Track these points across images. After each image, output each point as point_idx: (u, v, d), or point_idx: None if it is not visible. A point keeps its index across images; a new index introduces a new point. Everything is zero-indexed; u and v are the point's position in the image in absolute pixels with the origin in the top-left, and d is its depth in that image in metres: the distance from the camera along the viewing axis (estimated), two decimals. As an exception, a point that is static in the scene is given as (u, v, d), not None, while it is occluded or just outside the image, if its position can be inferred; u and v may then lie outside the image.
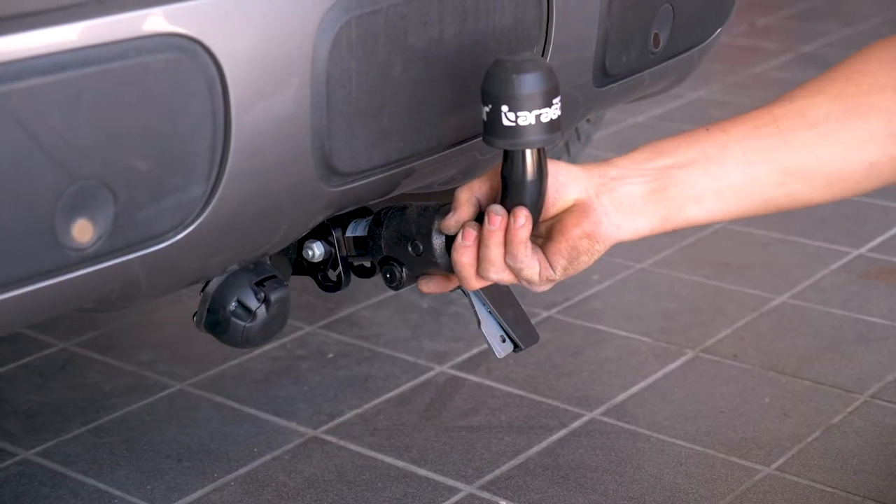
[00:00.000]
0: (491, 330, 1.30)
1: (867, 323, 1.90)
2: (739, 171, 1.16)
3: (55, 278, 1.03)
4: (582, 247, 1.15)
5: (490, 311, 1.29)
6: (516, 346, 1.30)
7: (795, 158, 1.16)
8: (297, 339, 1.90)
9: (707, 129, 1.17)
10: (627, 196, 1.16)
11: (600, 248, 1.16)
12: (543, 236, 1.18)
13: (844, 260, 2.10)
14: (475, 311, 1.30)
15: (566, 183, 1.15)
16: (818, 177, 1.17)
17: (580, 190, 1.16)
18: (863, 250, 2.14)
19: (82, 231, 1.01)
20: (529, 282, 1.17)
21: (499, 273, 1.16)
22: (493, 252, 1.15)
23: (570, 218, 1.15)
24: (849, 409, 1.68)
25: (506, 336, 1.30)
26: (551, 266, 1.16)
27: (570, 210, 1.16)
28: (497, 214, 1.14)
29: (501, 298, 1.30)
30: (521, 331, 1.31)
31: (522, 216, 1.13)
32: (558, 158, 2.10)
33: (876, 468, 1.56)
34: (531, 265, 1.15)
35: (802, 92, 1.18)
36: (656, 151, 1.17)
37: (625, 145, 2.64)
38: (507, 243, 1.15)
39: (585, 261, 1.16)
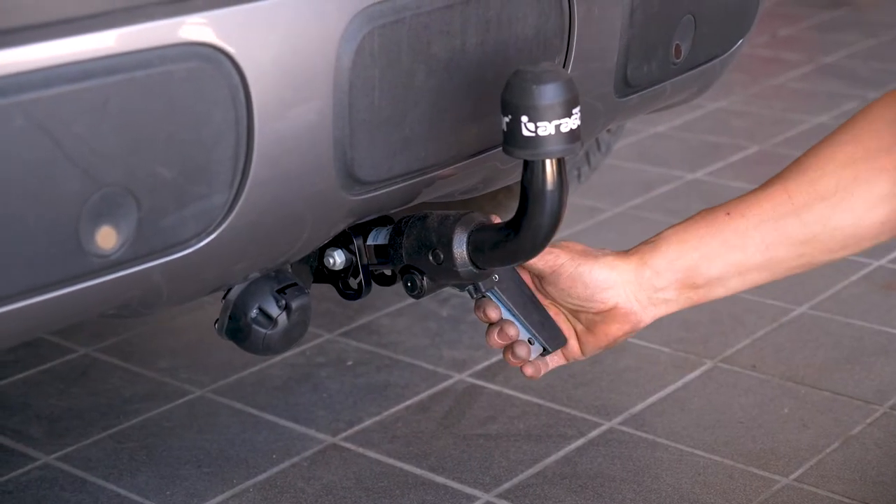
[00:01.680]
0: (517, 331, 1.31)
1: (887, 334, 1.89)
2: (760, 255, 1.26)
3: (78, 284, 1.03)
4: (621, 339, 1.31)
5: (515, 315, 1.30)
6: (545, 350, 1.31)
7: (811, 232, 1.24)
8: (317, 347, 1.91)
9: (728, 215, 1.26)
10: (662, 293, 1.28)
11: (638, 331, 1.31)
12: (582, 323, 1.31)
13: (865, 271, 2.10)
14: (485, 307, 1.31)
15: (609, 287, 1.27)
16: (833, 243, 1.25)
17: (620, 294, 1.27)
18: (883, 261, 2.13)
19: (106, 238, 1.02)
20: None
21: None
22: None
23: (613, 324, 1.29)
24: (868, 421, 1.68)
25: (533, 339, 1.31)
26: (583, 352, 1.33)
27: (612, 314, 1.28)
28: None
29: (525, 303, 1.30)
30: (547, 334, 1.31)
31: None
32: (578, 168, 2.11)
33: (895, 479, 1.55)
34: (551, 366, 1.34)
35: (815, 161, 1.25)
36: (682, 244, 1.27)
37: (645, 156, 2.64)
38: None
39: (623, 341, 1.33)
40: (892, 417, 1.68)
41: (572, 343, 1.33)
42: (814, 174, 1.24)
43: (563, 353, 1.34)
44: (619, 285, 1.27)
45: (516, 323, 1.31)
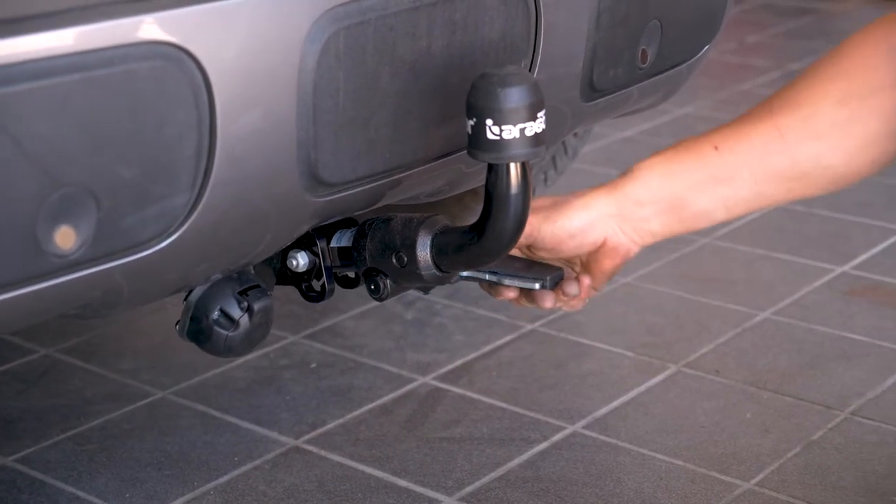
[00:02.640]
0: (509, 286, 1.28)
1: (849, 340, 1.91)
2: (748, 189, 1.24)
3: (37, 285, 1.02)
4: (617, 270, 1.31)
5: (497, 275, 1.27)
6: (543, 284, 1.27)
7: (802, 170, 1.23)
8: (281, 349, 1.90)
9: (716, 149, 1.23)
10: (647, 224, 1.27)
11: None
12: (580, 267, 1.31)
13: (828, 277, 2.11)
14: (487, 284, 1.28)
15: (594, 226, 1.26)
16: (823, 181, 1.24)
17: (607, 230, 1.27)
18: (846, 267, 2.15)
19: (65, 238, 1.01)
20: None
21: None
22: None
23: (606, 259, 1.28)
24: (829, 426, 1.69)
25: (525, 280, 1.27)
26: (595, 289, 1.32)
27: (603, 251, 1.28)
28: (573, 285, 1.29)
29: (498, 261, 1.26)
30: (535, 272, 1.28)
31: (586, 284, 1.30)
32: (545, 172, 2.11)
33: (855, 485, 1.56)
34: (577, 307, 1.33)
35: (807, 96, 1.22)
36: (667, 174, 1.25)
37: (612, 160, 2.65)
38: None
39: (620, 270, 1.32)
40: (853, 423, 1.69)
41: (585, 288, 1.30)
42: (807, 111, 1.21)
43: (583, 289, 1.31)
44: (602, 221, 1.26)
45: (504, 281, 1.27)
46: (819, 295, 2.05)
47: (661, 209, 1.25)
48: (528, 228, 1.24)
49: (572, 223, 1.25)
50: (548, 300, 1.29)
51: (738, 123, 1.24)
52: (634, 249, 1.29)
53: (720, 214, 1.26)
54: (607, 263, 1.28)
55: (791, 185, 1.24)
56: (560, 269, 1.29)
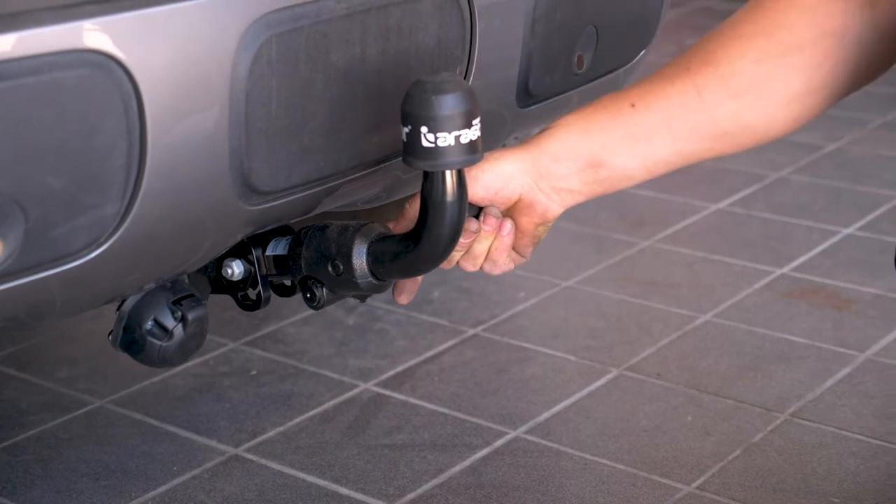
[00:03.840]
0: None
1: (788, 342, 1.92)
2: (667, 148, 1.22)
3: (-37, 297, 1.01)
4: (539, 232, 1.27)
5: None
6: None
7: (721, 129, 1.21)
8: (221, 356, 1.88)
9: (633, 106, 1.21)
10: (565, 182, 1.24)
11: (551, 222, 1.28)
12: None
13: (767, 279, 2.13)
14: None
15: (507, 181, 1.23)
16: (744, 139, 1.22)
17: (522, 185, 1.23)
18: (786, 270, 2.16)
19: (-9, 249, 1.00)
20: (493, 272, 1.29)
21: (475, 266, 1.27)
22: (477, 249, 1.25)
23: (523, 216, 1.25)
24: (769, 428, 1.70)
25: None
26: (522, 255, 1.29)
27: (518, 207, 1.25)
28: (494, 218, 1.24)
29: None
30: None
31: (509, 225, 1.25)
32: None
33: (795, 486, 1.57)
34: (505, 267, 1.28)
35: (724, 55, 1.20)
36: (583, 132, 1.23)
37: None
38: (490, 248, 1.26)
39: (543, 234, 1.29)
40: (793, 425, 1.71)
41: (513, 255, 1.28)
42: (725, 70, 1.19)
43: (511, 257, 1.28)
44: (518, 175, 1.23)
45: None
46: (759, 297, 2.07)
47: (579, 167, 1.22)
48: None
49: (487, 175, 1.22)
50: (472, 224, 1.23)
51: (657, 80, 1.22)
52: (554, 209, 1.24)
53: (639, 173, 1.23)
54: (525, 222, 1.24)
55: (711, 143, 1.22)
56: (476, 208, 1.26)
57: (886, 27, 1.18)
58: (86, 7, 1.01)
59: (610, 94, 1.24)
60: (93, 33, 1.01)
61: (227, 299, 1.48)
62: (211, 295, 1.35)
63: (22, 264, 1.02)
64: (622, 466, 1.61)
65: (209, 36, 1.08)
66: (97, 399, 1.77)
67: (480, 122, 1.13)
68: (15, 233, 1.01)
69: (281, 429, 1.70)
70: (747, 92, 1.19)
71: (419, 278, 1.29)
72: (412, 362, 1.87)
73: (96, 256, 1.07)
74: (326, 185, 1.24)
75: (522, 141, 1.25)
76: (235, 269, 1.31)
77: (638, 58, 1.61)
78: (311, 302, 1.27)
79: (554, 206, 1.24)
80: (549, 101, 1.47)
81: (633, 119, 1.21)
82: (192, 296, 1.24)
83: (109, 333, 1.26)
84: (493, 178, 1.22)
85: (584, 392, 1.79)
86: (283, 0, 1.12)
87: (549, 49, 1.41)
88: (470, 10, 1.28)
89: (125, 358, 1.71)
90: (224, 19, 1.09)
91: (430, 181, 1.14)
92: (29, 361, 1.87)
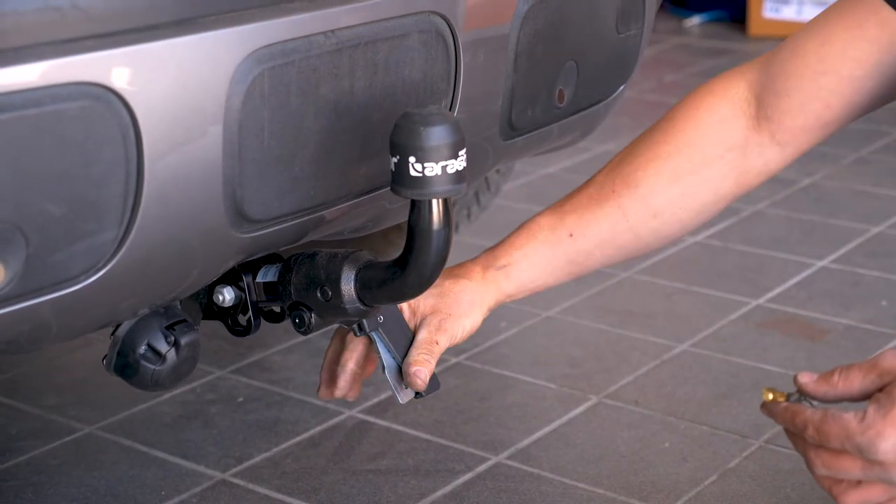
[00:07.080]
0: (394, 376, 1.33)
1: (763, 371, 1.96)
2: (598, 263, 1.40)
3: (-35, 320, 1.04)
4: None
5: (394, 358, 1.33)
6: (417, 393, 1.34)
7: (644, 243, 1.39)
8: (208, 384, 1.91)
9: (571, 236, 1.37)
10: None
11: None
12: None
13: (743, 310, 2.17)
14: (380, 357, 1.33)
15: (478, 322, 1.38)
16: (660, 245, 1.42)
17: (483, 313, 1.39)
18: (761, 300, 2.21)
19: (-6, 273, 1.03)
20: None
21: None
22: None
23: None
24: (744, 454, 1.73)
25: (403, 383, 1.34)
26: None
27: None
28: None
29: (406, 345, 1.33)
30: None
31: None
32: (468, 208, 2.15)
33: (769, 511, 1.61)
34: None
35: (643, 176, 1.36)
36: (533, 267, 1.39)
37: (535, 196, 2.69)
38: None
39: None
40: (767, 451, 1.74)
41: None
42: (645, 191, 1.35)
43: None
44: (483, 315, 1.38)
45: (395, 364, 1.33)
46: (735, 327, 2.11)
47: (524, 294, 1.40)
48: (446, 342, 1.35)
49: (468, 329, 1.36)
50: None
51: (587, 203, 1.37)
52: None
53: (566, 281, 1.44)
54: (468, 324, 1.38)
55: (633, 253, 1.40)
56: (438, 385, 1.38)
57: (781, 138, 1.33)
58: (86, 42, 1.05)
59: (547, 217, 1.39)
60: (92, 67, 1.05)
61: (213, 329, 1.51)
62: (202, 321, 1.38)
63: (23, 288, 1.06)
64: (601, 491, 1.65)
65: (204, 69, 1.12)
66: (86, 425, 1.79)
67: (466, 153, 1.17)
68: (17, 258, 1.04)
69: (267, 454, 1.73)
70: (665, 209, 1.36)
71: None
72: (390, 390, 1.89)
73: (94, 282, 1.10)
74: (316, 214, 1.27)
75: (486, 277, 1.38)
76: (227, 295, 1.34)
77: (617, 92, 1.66)
78: (300, 327, 1.30)
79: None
80: (532, 133, 1.51)
81: (572, 248, 1.37)
82: (184, 321, 1.27)
83: (103, 358, 1.29)
84: (473, 326, 1.36)
85: (565, 419, 1.83)
86: (274, 35, 1.16)
87: (532, 83, 1.45)
88: (455, 45, 1.33)
89: (114, 385, 1.74)
90: (218, 54, 1.13)
91: (418, 210, 1.18)
92: (17, 389, 1.89)
